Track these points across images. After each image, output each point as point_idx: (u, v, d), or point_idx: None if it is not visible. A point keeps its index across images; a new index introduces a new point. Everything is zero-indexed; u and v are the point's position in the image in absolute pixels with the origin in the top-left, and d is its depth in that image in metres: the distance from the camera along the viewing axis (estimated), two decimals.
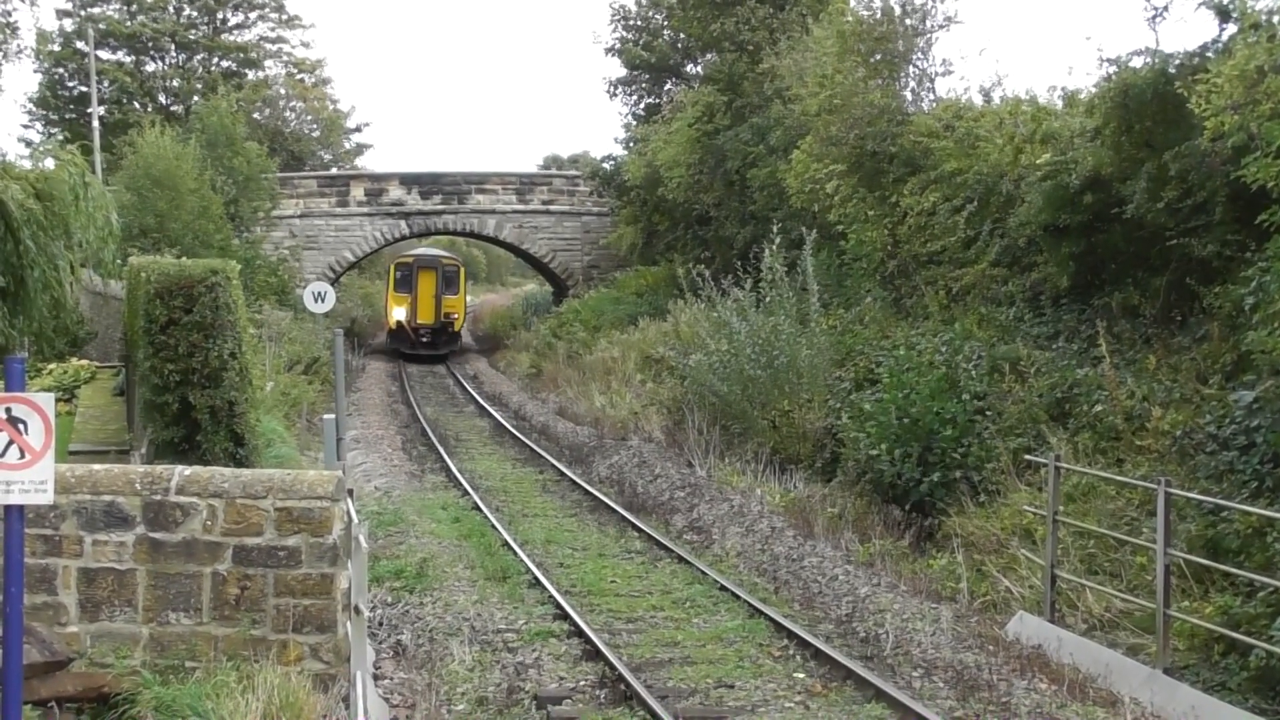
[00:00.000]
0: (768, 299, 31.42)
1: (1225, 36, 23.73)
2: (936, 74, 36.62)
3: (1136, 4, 38.57)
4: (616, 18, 62.06)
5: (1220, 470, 18.36)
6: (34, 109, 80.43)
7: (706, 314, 35.02)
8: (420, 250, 74.53)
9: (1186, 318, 23.60)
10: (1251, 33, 21.85)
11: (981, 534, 20.48)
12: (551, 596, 18.46)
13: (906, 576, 20.07)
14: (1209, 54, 23.65)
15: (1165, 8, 25.64)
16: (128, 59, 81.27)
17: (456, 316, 70.39)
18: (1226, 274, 22.06)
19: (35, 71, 77.76)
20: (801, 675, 15.11)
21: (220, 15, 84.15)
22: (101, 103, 68.56)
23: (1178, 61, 23.95)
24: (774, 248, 32.63)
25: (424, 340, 67.15)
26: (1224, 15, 23.89)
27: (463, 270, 71.84)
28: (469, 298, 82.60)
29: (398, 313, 67.40)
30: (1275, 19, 21.60)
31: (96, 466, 12.76)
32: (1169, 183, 22.97)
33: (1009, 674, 15.17)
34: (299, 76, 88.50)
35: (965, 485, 22.05)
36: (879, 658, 15.93)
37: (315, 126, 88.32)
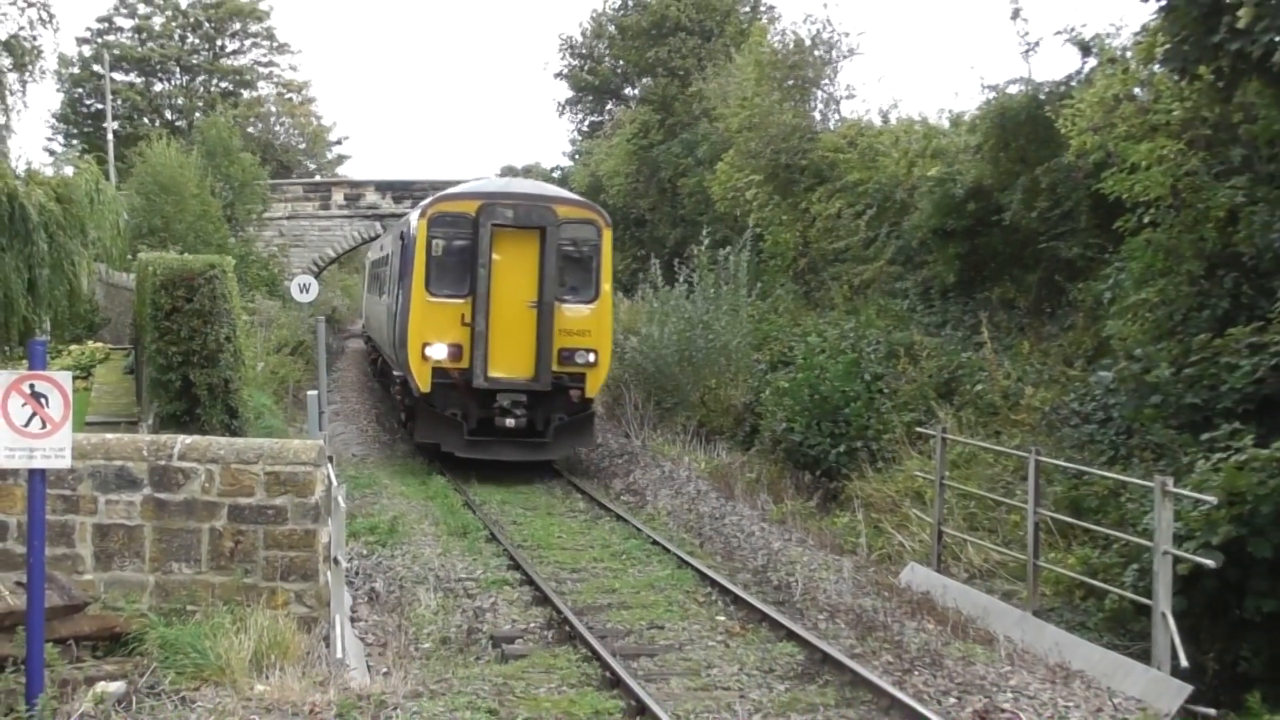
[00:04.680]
0: (697, 291, 31.43)
1: (1087, 69, 23.99)
2: (841, 97, 36.98)
3: (1013, 38, 38.80)
4: (564, 46, 61.99)
5: (1082, 441, 18.54)
6: (56, 124, 79.84)
7: (647, 303, 34.97)
8: (492, 182, 31.71)
9: (1055, 310, 23.84)
10: (1109, 66, 22.10)
11: (879, 496, 20.60)
12: (505, 550, 18.43)
13: (814, 532, 20.14)
14: (1074, 83, 23.87)
15: (1037, 43, 25.92)
16: (138, 80, 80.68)
17: (592, 356, 25.67)
18: (1088, 272, 22.30)
19: (57, 90, 77.33)
20: (723, 618, 15.14)
21: (219, 42, 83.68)
22: (115, 118, 67.78)
23: (1047, 89, 24.17)
24: (702, 247, 32.70)
25: (509, 422, 25.03)
26: (1086, 50, 24.16)
27: (606, 237, 26.25)
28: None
29: (437, 349, 25.03)
30: (1128, 54, 21.82)
31: (109, 435, 12.68)
32: (1040, 193, 23.19)
33: (901, 616, 15.26)
34: (287, 96, 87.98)
35: (865, 453, 22.19)
36: (790, 603, 15.98)
37: (302, 140, 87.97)
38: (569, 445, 25.94)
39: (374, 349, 43.02)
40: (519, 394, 24.61)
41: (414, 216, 26.31)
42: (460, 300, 24.58)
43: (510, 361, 24.56)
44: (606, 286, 25.71)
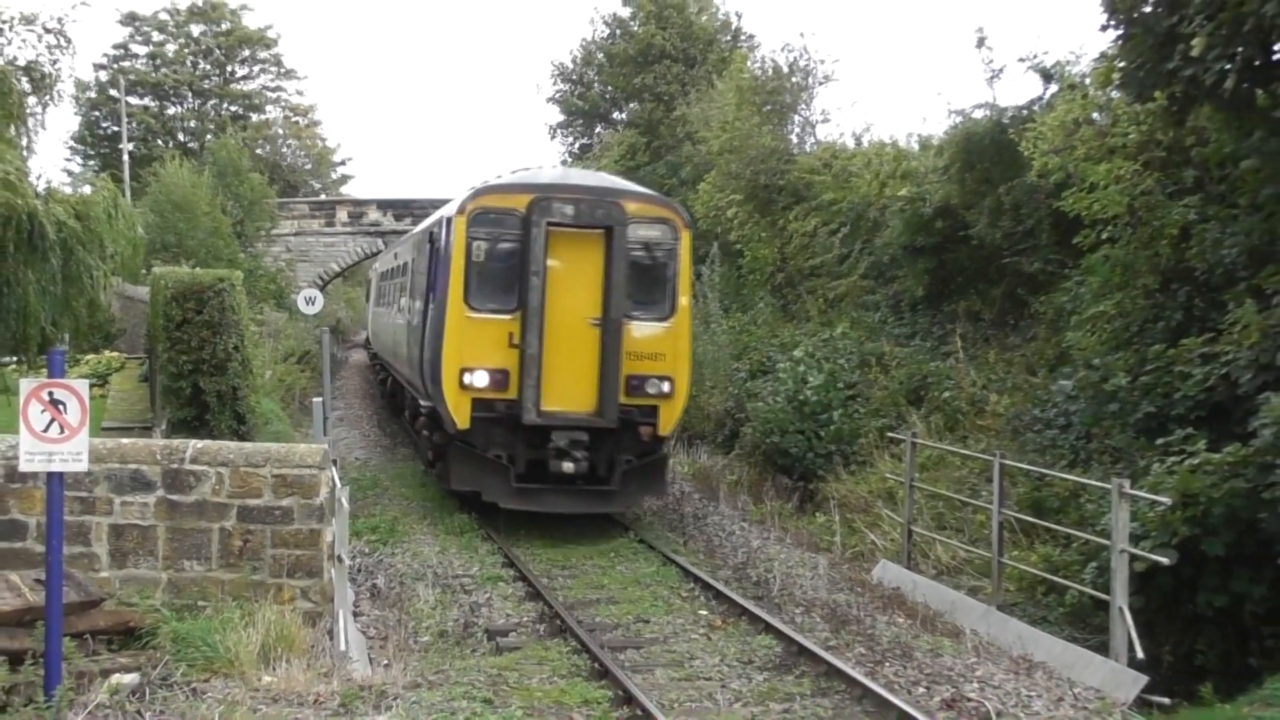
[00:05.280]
0: None
1: (1048, 94, 24.06)
2: (817, 122, 36.96)
3: (978, 66, 38.88)
4: (556, 73, 61.91)
5: (1044, 445, 18.57)
6: (74, 145, 79.59)
7: None
8: (546, 172, 23.02)
9: (1018, 321, 23.89)
10: (1069, 92, 22.19)
11: (853, 497, 20.61)
12: (500, 548, 18.40)
13: (791, 532, 20.16)
14: (1036, 108, 23.93)
15: (1001, 70, 25.97)
16: (153, 104, 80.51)
17: (666, 385, 19.94)
18: (1050, 286, 22.34)
19: (75, 114, 77.05)
20: (705, 612, 15.12)
21: (229, 68, 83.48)
22: (130, 140, 67.54)
23: (1010, 114, 24.22)
24: None
25: (566, 466, 19.29)
26: (1047, 77, 24.23)
27: (684, 239, 20.30)
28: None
29: (478, 376, 19.35)
30: (1087, 81, 21.89)
31: (124, 440, 12.65)
32: (1004, 212, 23.24)
33: (873, 610, 15.27)
34: (294, 119, 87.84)
35: (840, 457, 22.20)
36: (768, 597, 15.97)
37: (307, 160, 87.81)
38: (638, 494, 20.36)
39: (382, 368, 37.22)
40: (579, 432, 19.20)
41: (449, 213, 20.32)
42: (507, 316, 19.18)
43: (568, 392, 19.30)
44: (684, 300, 20.17)
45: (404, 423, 30.11)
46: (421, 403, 22.23)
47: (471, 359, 19.15)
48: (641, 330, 19.71)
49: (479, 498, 19.66)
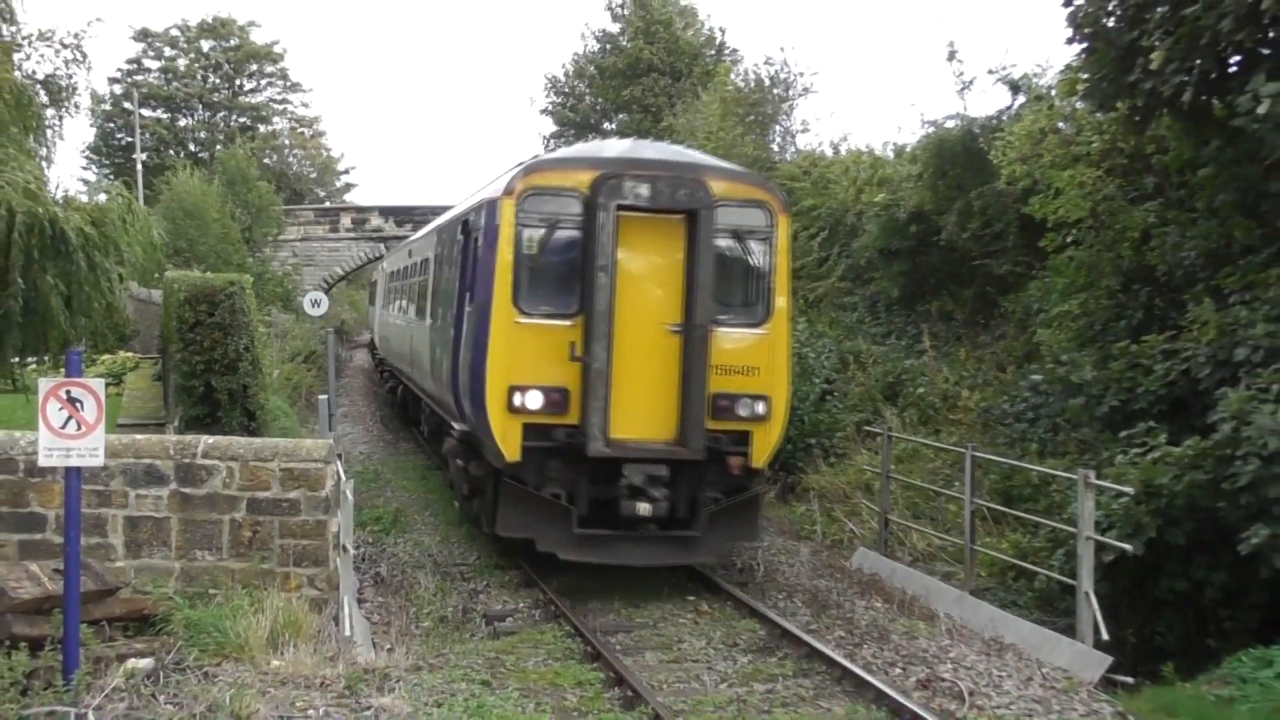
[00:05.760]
0: None
1: (1016, 105, 24.09)
2: (797, 131, 37.06)
3: (949, 78, 38.95)
4: (549, 86, 62.00)
5: (1014, 438, 18.59)
6: (90, 155, 79.46)
7: None
8: (611, 144, 18.22)
9: (988, 320, 23.92)
10: (1036, 103, 22.23)
11: (832, 487, 20.60)
12: (497, 537, 18.35)
13: (774, 520, 20.13)
14: (1004, 118, 23.99)
15: (971, 82, 26.06)
16: (165, 115, 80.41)
17: (760, 406, 15.34)
18: (1018, 286, 22.39)
19: (90, 125, 76.95)
20: (693, 598, 15.12)
21: (238, 81, 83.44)
22: (143, 150, 67.47)
23: (980, 123, 24.26)
24: None
25: (641, 508, 14.75)
26: (1015, 88, 24.27)
27: (782, 226, 15.70)
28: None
29: (531, 397, 14.91)
30: (1053, 92, 21.93)
31: (139, 436, 12.62)
32: (974, 216, 23.28)
33: (852, 596, 15.28)
34: (300, 130, 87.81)
35: (819, 450, 22.18)
36: (753, 583, 15.97)
37: (313, 169, 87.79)
38: (727, 540, 15.72)
39: (391, 375, 32.81)
40: (656, 465, 14.78)
41: (491, 195, 15.88)
42: (566, 322, 14.87)
43: (642, 415, 14.99)
44: (782, 301, 15.61)
45: (418, 433, 27.76)
46: (453, 425, 17.33)
47: (523, 375, 14.76)
48: (730, 338, 15.25)
49: (532, 546, 15.26)
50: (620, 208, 14.66)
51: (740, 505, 15.45)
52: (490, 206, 15.46)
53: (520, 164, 16.00)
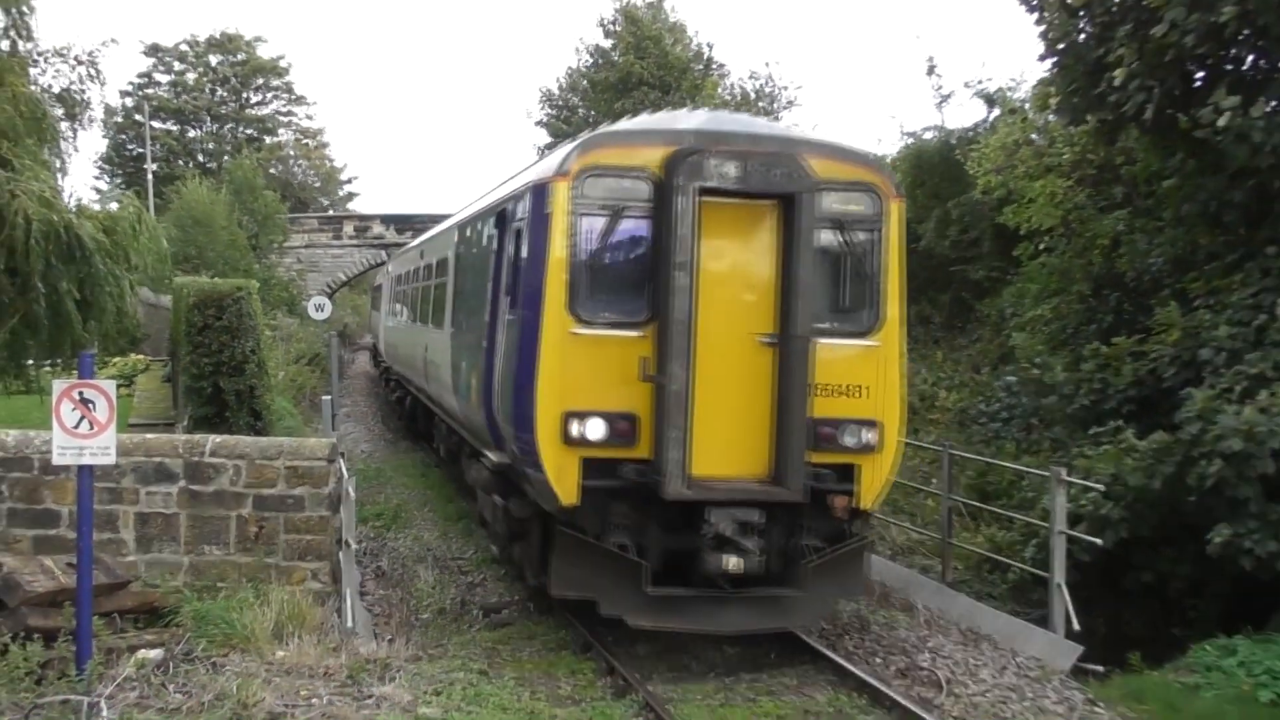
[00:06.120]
0: None
1: (992, 118, 24.16)
2: None
3: (928, 91, 39.00)
4: (544, 98, 61.94)
5: (989, 436, 18.65)
6: (102, 165, 79.35)
7: None
8: (684, 115, 13.27)
9: (964, 324, 23.98)
10: (1010, 116, 22.27)
11: None
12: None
13: None
14: (980, 130, 24.03)
15: (949, 95, 26.16)
16: (174, 127, 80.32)
17: (870, 434, 11.88)
18: (993, 291, 22.45)
19: (103, 137, 76.81)
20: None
21: (245, 95, 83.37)
22: (154, 160, 67.24)
23: (957, 135, 24.35)
24: None
25: (730, 563, 11.25)
26: (991, 102, 24.36)
27: (894, 213, 12.50)
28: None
29: (592, 425, 11.36)
30: (1027, 106, 21.99)
31: (149, 435, 12.62)
32: (951, 224, 23.34)
33: None
34: (304, 141, 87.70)
35: None
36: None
37: (316, 179, 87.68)
38: (828, 597, 12.35)
39: (399, 384, 29.35)
40: (748, 509, 11.52)
41: (540, 178, 12.38)
42: (634, 332, 11.57)
43: (730, 447, 11.64)
44: (894, 308, 12.49)
45: (431, 449, 24.21)
46: (485, 454, 13.87)
47: (581, 398, 11.42)
48: (833, 352, 11.87)
49: (593, 607, 11.83)
50: (703, 191, 11.34)
51: (845, 557, 12.07)
52: (538, 192, 12.12)
53: (576, 140, 12.60)
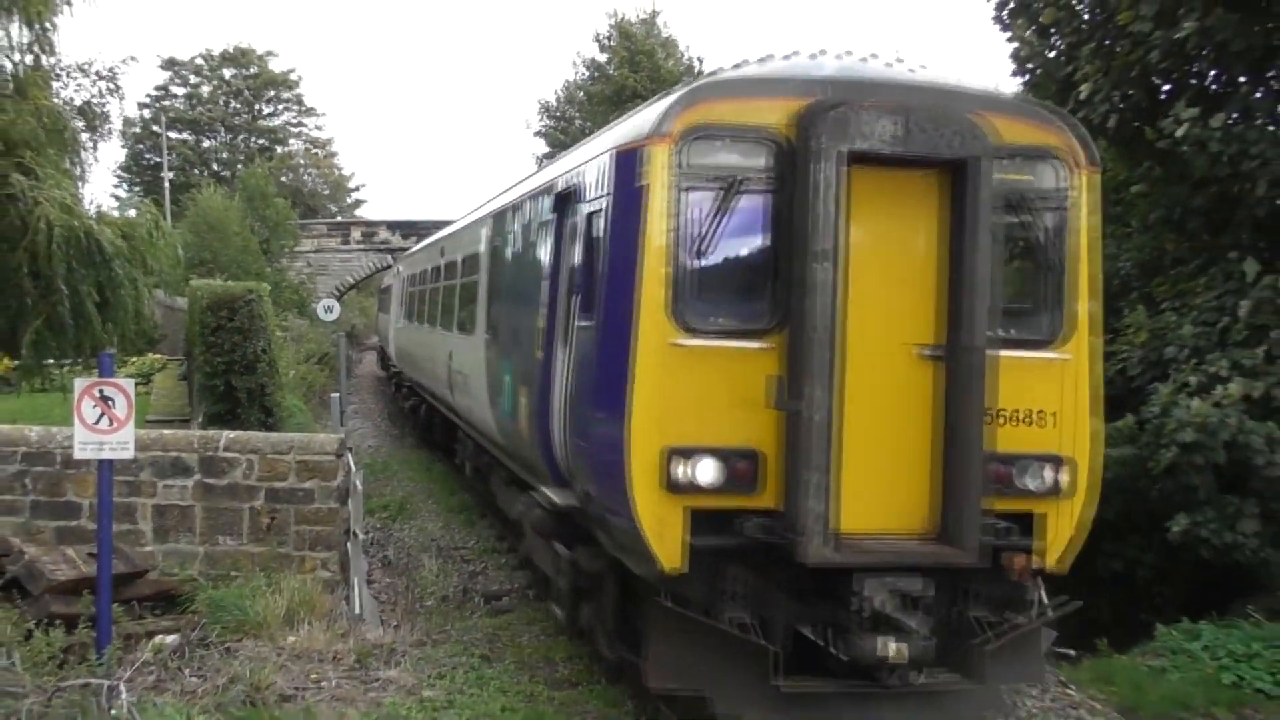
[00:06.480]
0: None
1: None
2: None
3: None
4: (542, 110, 61.99)
5: None
6: (121, 174, 79.39)
7: None
8: (818, 63, 8.86)
9: None
10: None
11: None
12: (495, 524, 18.40)
13: None
14: None
15: None
16: (190, 137, 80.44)
17: (1056, 473, 8.41)
18: None
19: (121, 147, 76.86)
20: None
21: (257, 106, 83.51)
22: (170, 169, 67.23)
23: None
24: None
25: (890, 646, 7.63)
26: None
27: (1085, 186, 8.56)
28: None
29: (703, 466, 7.76)
30: None
31: (166, 431, 12.65)
32: None
33: None
34: (314, 151, 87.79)
35: None
36: None
37: (326, 187, 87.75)
38: (1004, 684, 9.60)
39: (412, 391, 26.57)
40: (909, 576, 8.03)
41: (627, 140, 8.76)
42: (755, 343, 8.13)
43: (881, 494, 8.30)
44: (1087, 307, 8.79)
45: (454, 464, 21.61)
46: (542, 491, 10.28)
47: (688, 430, 8.04)
48: (1009, 368, 8.37)
49: (700, 703, 8.65)
50: (852, 155, 7.88)
51: (1024, 635, 8.84)
52: (624, 160, 8.67)
53: (675, 93, 8.70)
